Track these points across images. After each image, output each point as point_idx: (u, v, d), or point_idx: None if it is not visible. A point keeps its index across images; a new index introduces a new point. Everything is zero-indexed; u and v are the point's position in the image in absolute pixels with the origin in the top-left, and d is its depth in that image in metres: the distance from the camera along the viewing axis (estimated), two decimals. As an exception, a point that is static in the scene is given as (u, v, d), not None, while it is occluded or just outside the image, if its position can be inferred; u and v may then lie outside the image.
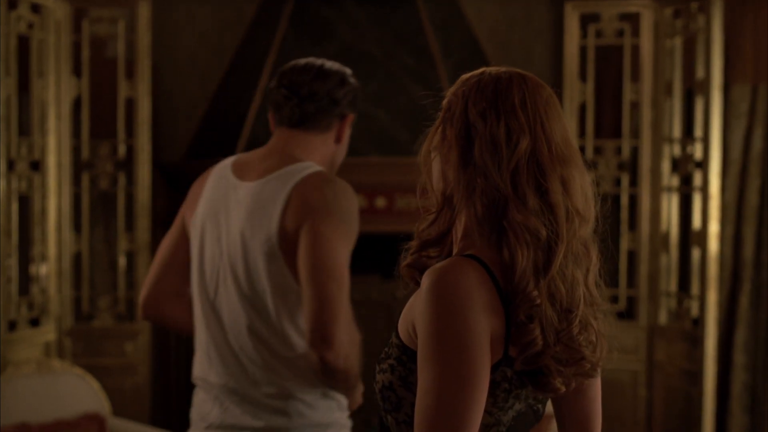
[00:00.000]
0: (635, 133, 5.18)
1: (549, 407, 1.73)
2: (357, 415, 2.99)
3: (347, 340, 2.43)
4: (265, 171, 2.52)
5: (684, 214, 5.12)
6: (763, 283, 5.00)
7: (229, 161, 2.63)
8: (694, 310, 4.92)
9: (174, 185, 5.45)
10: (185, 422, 5.63)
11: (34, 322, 4.91)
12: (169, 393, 5.61)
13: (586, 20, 5.16)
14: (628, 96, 5.14)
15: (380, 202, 4.90)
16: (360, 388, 2.62)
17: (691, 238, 5.01)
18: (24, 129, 4.89)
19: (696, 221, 4.92)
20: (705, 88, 4.76)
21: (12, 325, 4.74)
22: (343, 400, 2.61)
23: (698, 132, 4.91)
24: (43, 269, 4.93)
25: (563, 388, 1.57)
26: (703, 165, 4.78)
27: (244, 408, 2.52)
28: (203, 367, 2.60)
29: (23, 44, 4.79)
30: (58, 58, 4.92)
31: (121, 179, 5.11)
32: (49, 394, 4.45)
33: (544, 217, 1.53)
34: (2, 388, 4.34)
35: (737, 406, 4.98)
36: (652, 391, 5.09)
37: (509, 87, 1.57)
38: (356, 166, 4.49)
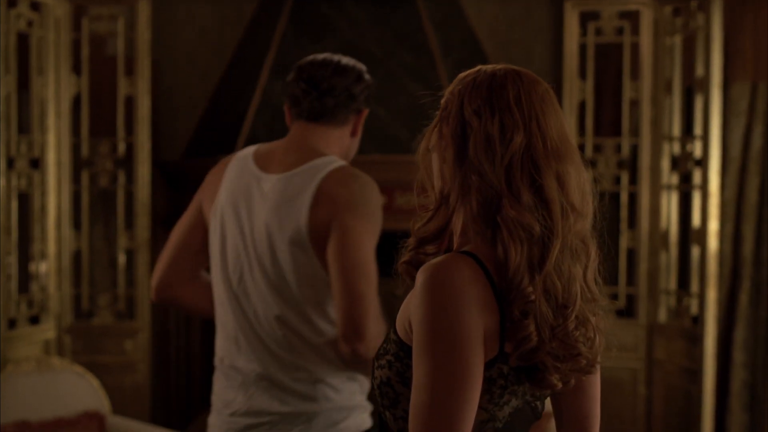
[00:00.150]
0: (635, 131, 5.18)
1: (549, 406, 1.73)
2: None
3: (376, 332, 2.51)
4: (290, 164, 2.57)
5: (683, 212, 5.12)
6: (763, 280, 5.01)
7: (249, 151, 2.67)
8: (694, 308, 4.92)
9: (173, 183, 5.46)
10: (185, 420, 5.64)
11: (34, 320, 4.92)
12: (168, 391, 5.62)
13: (586, 18, 5.17)
14: (627, 94, 5.14)
15: (380, 200, 4.90)
16: None
17: (690, 235, 5.01)
18: (24, 127, 4.90)
19: (695, 219, 4.92)
20: (704, 86, 4.76)
21: (12, 323, 4.75)
22: (365, 383, 2.67)
23: (698, 130, 4.91)
24: (43, 267, 4.93)
25: (560, 385, 1.57)
26: (703, 163, 4.78)
27: (271, 393, 2.58)
28: (230, 353, 2.65)
29: (23, 42, 4.79)
30: (58, 56, 4.92)
31: (121, 177, 5.11)
32: (49, 391, 4.45)
33: (539, 212, 1.53)
34: (2, 386, 4.35)
35: (737, 404, 4.98)
36: (652, 389, 5.09)
37: (504, 83, 1.58)
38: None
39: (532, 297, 1.52)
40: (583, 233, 1.59)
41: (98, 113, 5.12)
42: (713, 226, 4.76)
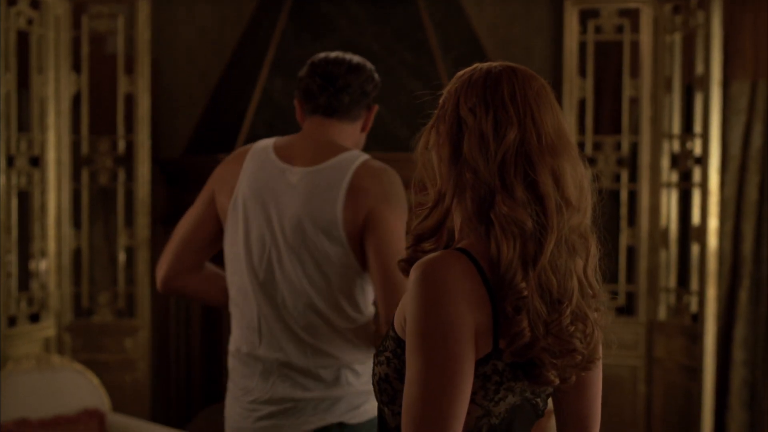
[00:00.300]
0: (635, 129, 5.18)
1: (551, 404, 1.73)
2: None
3: None
4: (317, 158, 2.65)
5: (683, 210, 5.12)
6: (763, 278, 5.01)
7: (267, 144, 2.72)
8: (694, 306, 4.93)
9: (173, 181, 5.46)
10: (185, 418, 5.64)
11: (34, 318, 4.92)
12: (168, 389, 5.62)
13: (586, 16, 5.17)
14: (627, 92, 5.14)
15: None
16: None
17: (690, 233, 5.02)
18: (23, 125, 4.90)
19: (695, 217, 4.92)
20: (704, 84, 4.76)
21: (12, 321, 4.75)
22: None
23: (698, 128, 4.91)
24: (43, 265, 4.93)
25: (557, 381, 1.58)
26: (703, 161, 4.78)
27: (294, 381, 2.64)
28: (250, 342, 2.68)
29: (23, 40, 4.79)
30: (58, 54, 4.92)
31: (121, 175, 5.11)
32: (49, 389, 4.45)
33: (532, 208, 1.54)
34: (2, 384, 4.35)
35: (736, 402, 4.99)
36: (652, 386, 5.09)
37: (499, 80, 1.59)
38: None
39: (525, 293, 1.52)
40: (581, 228, 1.59)
41: (98, 111, 5.12)
42: (713, 223, 4.76)
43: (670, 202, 5.07)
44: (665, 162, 5.06)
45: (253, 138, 4.74)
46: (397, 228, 2.59)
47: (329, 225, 2.59)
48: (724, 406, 5.02)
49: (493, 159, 1.55)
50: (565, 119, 1.63)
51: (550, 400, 1.71)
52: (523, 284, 1.52)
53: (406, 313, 1.56)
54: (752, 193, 5.00)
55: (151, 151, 5.10)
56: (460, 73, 1.65)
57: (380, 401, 1.64)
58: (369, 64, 2.79)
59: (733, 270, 5.07)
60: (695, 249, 4.93)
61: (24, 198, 4.90)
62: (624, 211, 5.14)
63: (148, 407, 5.07)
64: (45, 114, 4.89)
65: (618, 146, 5.18)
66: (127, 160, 5.11)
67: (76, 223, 5.08)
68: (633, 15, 5.12)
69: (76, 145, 5.07)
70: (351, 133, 2.76)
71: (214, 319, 5.20)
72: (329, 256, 2.60)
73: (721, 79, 4.76)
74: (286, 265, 2.62)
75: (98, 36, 5.19)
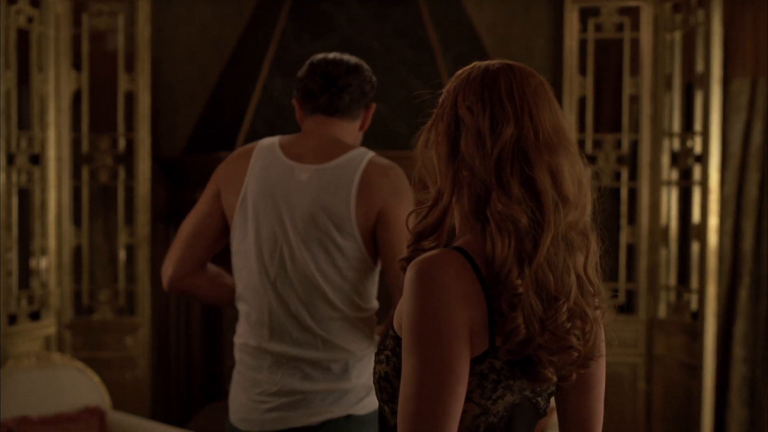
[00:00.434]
0: (635, 127, 5.18)
1: (552, 402, 1.73)
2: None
3: None
4: (325, 155, 2.72)
5: (683, 208, 5.12)
6: (763, 276, 5.01)
7: (273, 142, 2.78)
8: (694, 304, 4.93)
9: (174, 179, 5.46)
10: (185, 416, 5.64)
11: (35, 316, 4.92)
12: (169, 386, 5.62)
13: (586, 14, 5.17)
14: (627, 90, 5.14)
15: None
16: None
17: (690, 231, 5.02)
18: (24, 123, 4.90)
19: (695, 215, 4.92)
20: (704, 82, 4.76)
21: (12, 319, 4.75)
22: None
23: (698, 126, 4.91)
24: (43, 263, 4.93)
25: (554, 378, 1.58)
26: (703, 159, 4.78)
27: (304, 373, 2.70)
28: (259, 337, 2.73)
29: (23, 38, 4.79)
30: (58, 52, 4.92)
31: (121, 173, 5.11)
32: (50, 387, 4.46)
33: (528, 205, 1.54)
34: (2, 382, 4.35)
35: (736, 400, 4.99)
36: (652, 384, 5.09)
37: (496, 77, 1.59)
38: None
39: (520, 289, 1.52)
40: (581, 225, 1.59)
41: (98, 109, 5.12)
42: (713, 221, 4.76)
43: (670, 200, 5.07)
44: (665, 160, 5.06)
45: (253, 136, 4.74)
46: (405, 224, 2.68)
47: (342, 220, 2.66)
48: (724, 403, 5.02)
49: (489, 156, 1.55)
50: (563, 116, 1.63)
51: (552, 399, 1.71)
52: (519, 281, 1.53)
53: (402, 312, 1.57)
54: (752, 191, 5.00)
55: (152, 149, 5.10)
56: (459, 71, 1.65)
57: (380, 399, 1.65)
58: (366, 65, 2.85)
59: (733, 268, 5.08)
60: (695, 247, 4.94)
61: (24, 196, 4.90)
62: (624, 209, 5.15)
63: (149, 405, 5.07)
64: (45, 112, 4.89)
65: (618, 144, 5.19)
66: (128, 157, 5.11)
67: (77, 220, 5.08)
68: (633, 13, 5.13)
69: (76, 143, 5.07)
70: (351, 131, 2.83)
71: (215, 316, 5.21)
72: (342, 250, 2.67)
73: (721, 77, 4.77)
74: (298, 260, 2.68)
75: (98, 34, 5.19)
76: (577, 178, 1.58)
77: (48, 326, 4.94)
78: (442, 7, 5.36)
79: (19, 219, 4.80)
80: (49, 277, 4.94)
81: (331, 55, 2.82)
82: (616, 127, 5.28)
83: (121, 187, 5.11)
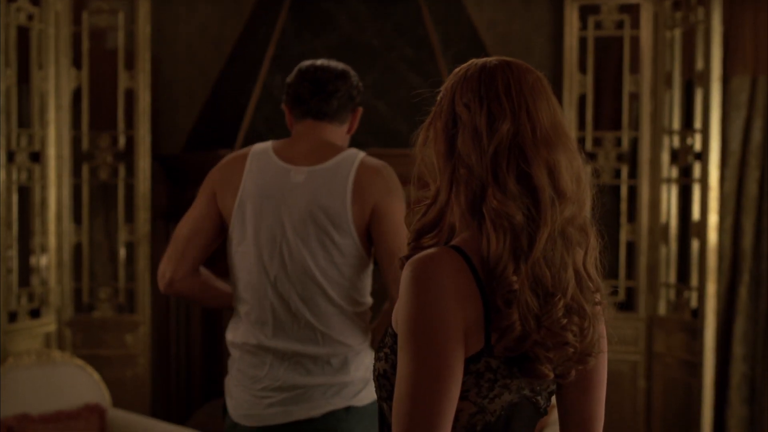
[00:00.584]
0: (635, 125, 5.18)
1: (553, 400, 1.73)
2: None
3: None
4: (318, 157, 2.82)
5: (683, 206, 5.13)
6: (762, 274, 5.01)
7: (266, 147, 2.87)
8: (694, 302, 4.93)
9: (174, 177, 5.46)
10: (185, 413, 5.64)
11: (35, 313, 4.93)
12: (169, 384, 5.63)
13: (586, 12, 5.17)
14: (627, 87, 5.14)
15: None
16: None
17: (690, 229, 5.02)
18: (24, 120, 4.90)
19: (695, 212, 4.92)
20: (704, 79, 4.76)
21: (12, 316, 4.75)
22: None
23: (697, 123, 4.91)
24: (44, 260, 4.94)
25: (551, 375, 1.58)
26: (703, 156, 4.78)
27: (306, 368, 2.79)
28: (259, 336, 2.81)
29: (23, 36, 4.79)
30: (58, 50, 4.92)
31: (121, 170, 5.11)
32: (50, 385, 4.46)
33: (524, 201, 1.54)
34: (3, 379, 4.35)
35: (736, 397, 4.99)
36: (652, 382, 5.10)
37: (494, 74, 1.59)
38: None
39: (515, 286, 1.52)
40: (579, 220, 1.58)
41: (98, 107, 5.12)
42: (713, 219, 4.76)
43: (670, 198, 5.07)
44: (665, 157, 5.06)
45: (253, 134, 4.75)
46: (401, 218, 2.77)
47: (339, 218, 2.76)
48: (724, 401, 5.02)
49: (485, 153, 1.55)
50: (562, 112, 1.63)
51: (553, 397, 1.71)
52: (514, 277, 1.52)
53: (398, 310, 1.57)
54: (752, 189, 5.00)
55: (152, 147, 5.10)
56: (457, 69, 1.65)
57: (380, 397, 1.65)
58: (353, 72, 2.96)
59: (732, 265, 5.08)
60: (695, 244, 4.94)
61: (24, 193, 4.91)
62: (624, 206, 5.15)
63: (149, 402, 5.08)
64: (45, 109, 4.89)
65: (618, 142, 5.19)
66: (128, 155, 5.11)
67: (77, 218, 5.08)
68: (633, 11, 5.12)
69: (76, 141, 5.07)
70: (339, 134, 2.93)
71: (215, 314, 5.21)
72: (340, 248, 2.77)
73: (721, 74, 4.77)
74: (297, 259, 2.76)
75: (98, 32, 5.19)
76: (576, 174, 1.58)
77: (48, 324, 4.94)
78: (442, 5, 5.36)
79: (19, 216, 4.80)
80: (49, 274, 4.94)
81: (319, 62, 2.91)
82: (616, 125, 5.28)
83: (121, 185, 5.11)
